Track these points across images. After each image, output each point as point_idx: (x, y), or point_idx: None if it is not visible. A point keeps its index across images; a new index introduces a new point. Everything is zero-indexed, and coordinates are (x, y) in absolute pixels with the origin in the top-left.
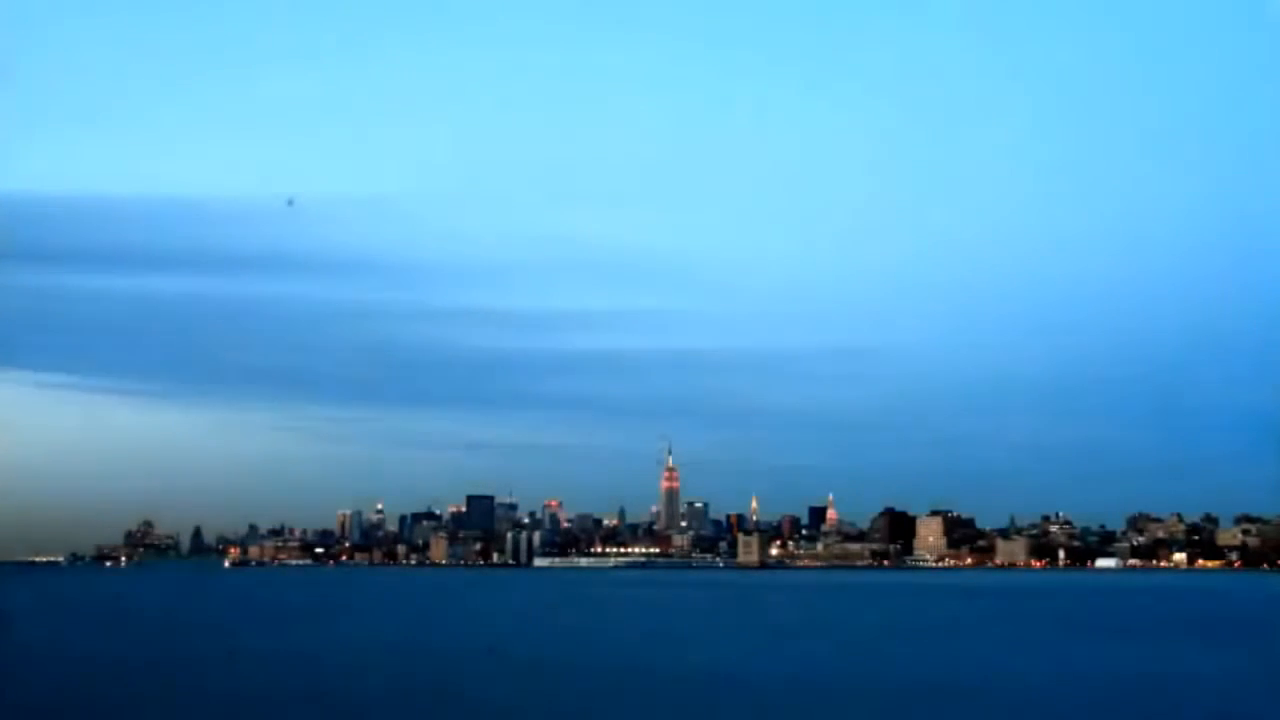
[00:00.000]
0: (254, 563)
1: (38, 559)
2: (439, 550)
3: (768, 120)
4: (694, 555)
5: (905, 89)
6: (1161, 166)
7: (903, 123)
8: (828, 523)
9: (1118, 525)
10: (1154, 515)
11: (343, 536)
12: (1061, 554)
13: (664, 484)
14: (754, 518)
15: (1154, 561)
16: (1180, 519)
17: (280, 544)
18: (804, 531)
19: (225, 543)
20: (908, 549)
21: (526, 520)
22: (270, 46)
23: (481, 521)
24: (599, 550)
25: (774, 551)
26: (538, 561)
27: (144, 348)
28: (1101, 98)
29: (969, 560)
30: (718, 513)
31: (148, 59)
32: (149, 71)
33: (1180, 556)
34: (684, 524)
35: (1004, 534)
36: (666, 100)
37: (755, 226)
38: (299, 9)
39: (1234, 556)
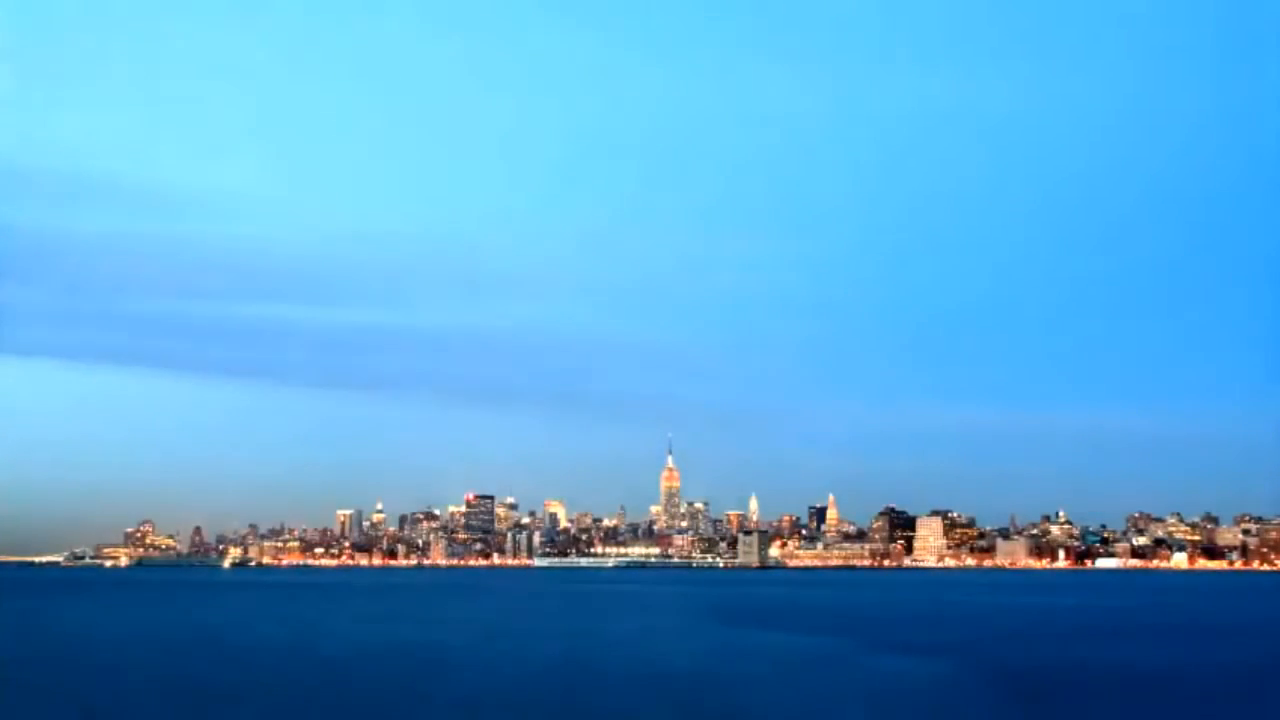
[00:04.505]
0: (254, 563)
1: (37, 559)
2: (439, 550)
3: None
4: (694, 555)
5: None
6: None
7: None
8: (828, 523)
9: (1118, 525)
10: (1154, 515)
11: (343, 536)
12: (1061, 554)
13: (664, 484)
14: (754, 518)
15: (1154, 562)
16: (1180, 519)
17: (280, 544)
18: (804, 531)
19: (225, 543)
20: (908, 549)
21: (526, 520)
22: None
23: (481, 521)
24: (599, 550)
25: (774, 551)
26: (538, 561)
27: (143, 344)
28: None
29: (969, 560)
30: (718, 513)
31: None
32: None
33: (1180, 556)
34: (684, 524)
35: (1004, 534)
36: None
37: (769, 233)
38: None
39: (1234, 556)
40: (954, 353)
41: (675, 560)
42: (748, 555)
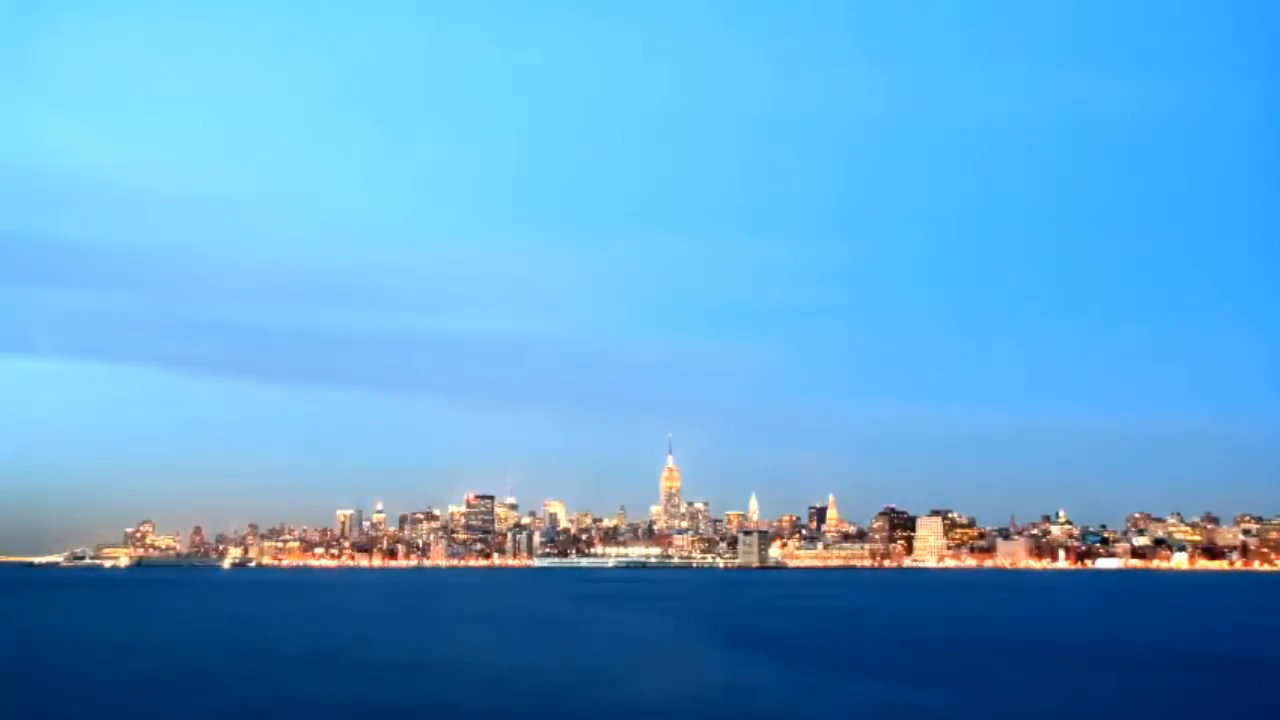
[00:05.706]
0: (254, 563)
1: (37, 559)
2: (439, 550)
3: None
4: (694, 555)
5: None
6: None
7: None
8: (828, 523)
9: (1118, 525)
10: (1154, 515)
11: (343, 536)
12: (1062, 554)
13: (664, 484)
14: (754, 518)
15: (1154, 562)
16: (1180, 519)
17: (280, 544)
18: (804, 531)
19: (225, 542)
20: (908, 549)
21: (526, 520)
22: None
23: (481, 521)
24: (599, 550)
25: (774, 552)
26: (538, 562)
27: (142, 344)
28: None
29: (969, 560)
30: (718, 513)
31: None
32: None
33: (1180, 556)
34: (684, 524)
35: (1004, 534)
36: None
37: (770, 235)
38: None
39: (1234, 556)
40: (954, 353)
41: (675, 560)
42: (748, 555)
